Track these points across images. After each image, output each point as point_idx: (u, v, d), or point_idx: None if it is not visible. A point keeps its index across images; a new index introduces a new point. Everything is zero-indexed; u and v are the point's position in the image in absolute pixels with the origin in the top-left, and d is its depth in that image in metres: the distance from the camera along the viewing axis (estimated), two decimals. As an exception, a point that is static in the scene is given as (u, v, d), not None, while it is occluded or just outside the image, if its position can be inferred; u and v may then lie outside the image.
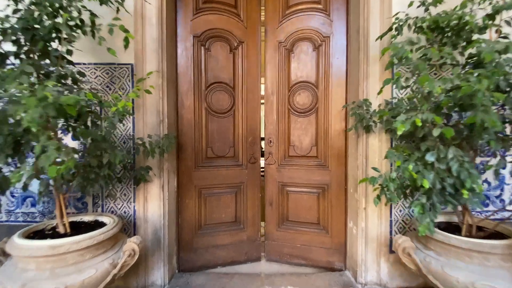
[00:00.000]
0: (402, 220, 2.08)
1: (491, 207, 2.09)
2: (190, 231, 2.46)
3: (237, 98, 2.64)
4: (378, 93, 1.71)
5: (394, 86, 2.05)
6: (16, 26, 1.39)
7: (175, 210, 2.30)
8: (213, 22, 2.51)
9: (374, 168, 1.63)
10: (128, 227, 2.09)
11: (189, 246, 2.46)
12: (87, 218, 1.84)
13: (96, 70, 2.06)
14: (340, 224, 2.42)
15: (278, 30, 2.64)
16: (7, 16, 1.40)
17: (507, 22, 1.57)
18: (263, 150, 2.74)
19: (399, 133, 1.16)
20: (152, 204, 2.09)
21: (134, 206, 2.08)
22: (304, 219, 2.59)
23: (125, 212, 2.09)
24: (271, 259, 2.69)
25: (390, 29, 1.80)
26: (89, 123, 1.59)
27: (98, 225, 1.74)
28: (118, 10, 1.69)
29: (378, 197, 1.43)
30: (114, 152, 1.38)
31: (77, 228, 1.68)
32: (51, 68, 1.52)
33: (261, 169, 2.75)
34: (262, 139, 2.82)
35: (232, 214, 2.64)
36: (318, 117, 2.51)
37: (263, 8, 2.69)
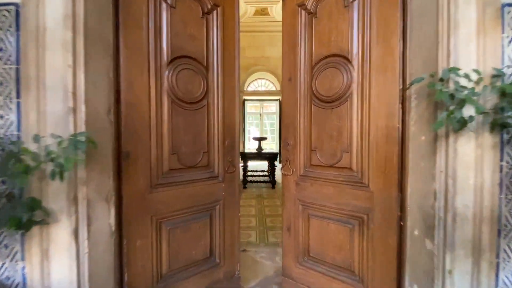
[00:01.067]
0: (518, 293, 1.14)
1: None
2: (144, 290, 1.52)
3: (211, 83, 1.78)
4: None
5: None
6: None
7: (113, 266, 1.34)
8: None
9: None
10: (13, 306, 1.14)
11: (144, 313, 1.52)
12: None
13: (-46, 16, 1.11)
14: (388, 280, 1.47)
15: (298, -10, 1.76)
16: None
17: None
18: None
19: None
20: (57, 264, 1.13)
21: (23, 268, 1.13)
22: (331, 260, 1.70)
23: (8, 277, 1.14)
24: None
25: None
26: None
27: None
28: None
29: None
30: None
31: None
32: None
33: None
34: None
35: (206, 248, 1.79)
36: (352, 107, 1.56)
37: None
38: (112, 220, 1.33)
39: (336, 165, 1.62)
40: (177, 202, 1.62)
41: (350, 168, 1.57)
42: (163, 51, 1.56)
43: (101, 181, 1.26)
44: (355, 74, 1.55)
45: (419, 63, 1.26)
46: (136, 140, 1.46)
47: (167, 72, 1.57)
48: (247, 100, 10.03)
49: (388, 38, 1.43)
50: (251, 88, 10.15)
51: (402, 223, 1.37)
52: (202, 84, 1.70)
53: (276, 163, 7.93)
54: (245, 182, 5.51)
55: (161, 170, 1.55)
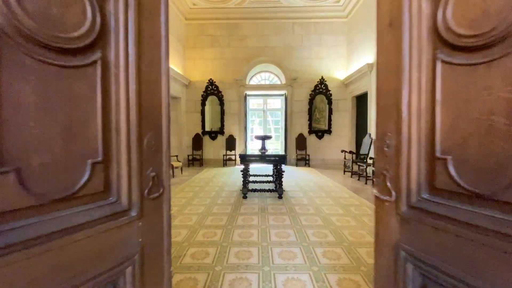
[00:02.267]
0: None
1: None
2: None
3: (113, 17, 0.76)
4: None
5: None
6: None
7: None
8: None
9: None
10: None
11: None
12: None
13: None
14: None
15: None
16: None
17: None
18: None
19: None
20: None
21: None
22: None
23: None
24: None
25: None
26: None
27: None
28: None
29: None
30: None
31: None
32: None
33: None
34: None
35: None
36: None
37: None
38: None
39: (502, 198, 0.61)
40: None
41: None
42: None
43: None
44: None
45: None
46: None
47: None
48: (249, 95, 9.02)
49: None
50: (253, 81, 9.14)
51: None
52: (90, 12, 0.69)
53: (284, 166, 6.87)
54: (245, 191, 4.50)
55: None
